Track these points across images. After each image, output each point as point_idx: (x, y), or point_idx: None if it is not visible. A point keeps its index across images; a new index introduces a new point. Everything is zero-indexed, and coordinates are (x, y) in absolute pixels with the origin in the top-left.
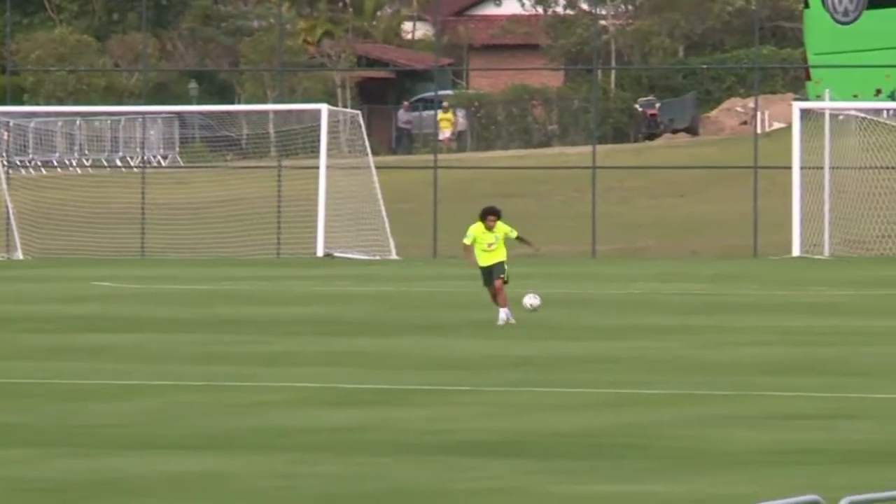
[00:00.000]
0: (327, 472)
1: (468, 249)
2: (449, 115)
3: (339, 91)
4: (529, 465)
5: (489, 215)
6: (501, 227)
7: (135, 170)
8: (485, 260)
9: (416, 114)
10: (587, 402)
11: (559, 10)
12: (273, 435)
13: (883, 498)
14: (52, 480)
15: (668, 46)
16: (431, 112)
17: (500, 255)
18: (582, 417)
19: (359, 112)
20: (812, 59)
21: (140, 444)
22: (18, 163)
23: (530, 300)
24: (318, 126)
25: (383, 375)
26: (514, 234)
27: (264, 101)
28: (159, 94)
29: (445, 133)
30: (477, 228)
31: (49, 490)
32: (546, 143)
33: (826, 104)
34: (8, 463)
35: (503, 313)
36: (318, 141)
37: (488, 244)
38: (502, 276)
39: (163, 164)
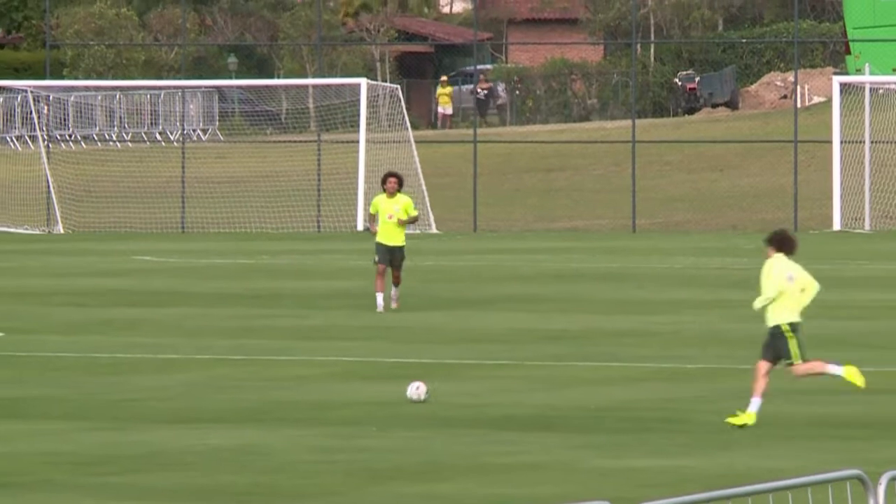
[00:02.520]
0: (365, 446)
1: (372, 219)
2: (448, 90)
3: (378, 65)
4: (567, 440)
5: (390, 177)
6: (403, 200)
7: (174, 144)
8: (386, 236)
9: (456, 88)
10: (625, 377)
11: None
12: (311, 409)
13: None
14: (89, 454)
15: (707, 20)
16: (471, 86)
17: (401, 235)
18: (620, 392)
19: (398, 86)
20: (852, 33)
21: (177, 417)
22: (58, 137)
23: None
24: (358, 100)
25: (422, 349)
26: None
27: (303, 76)
28: (198, 68)
29: (445, 108)
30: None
31: (86, 463)
32: (585, 118)
33: (866, 78)
34: (46, 436)
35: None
36: (358, 115)
37: (388, 215)
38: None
39: (202, 138)
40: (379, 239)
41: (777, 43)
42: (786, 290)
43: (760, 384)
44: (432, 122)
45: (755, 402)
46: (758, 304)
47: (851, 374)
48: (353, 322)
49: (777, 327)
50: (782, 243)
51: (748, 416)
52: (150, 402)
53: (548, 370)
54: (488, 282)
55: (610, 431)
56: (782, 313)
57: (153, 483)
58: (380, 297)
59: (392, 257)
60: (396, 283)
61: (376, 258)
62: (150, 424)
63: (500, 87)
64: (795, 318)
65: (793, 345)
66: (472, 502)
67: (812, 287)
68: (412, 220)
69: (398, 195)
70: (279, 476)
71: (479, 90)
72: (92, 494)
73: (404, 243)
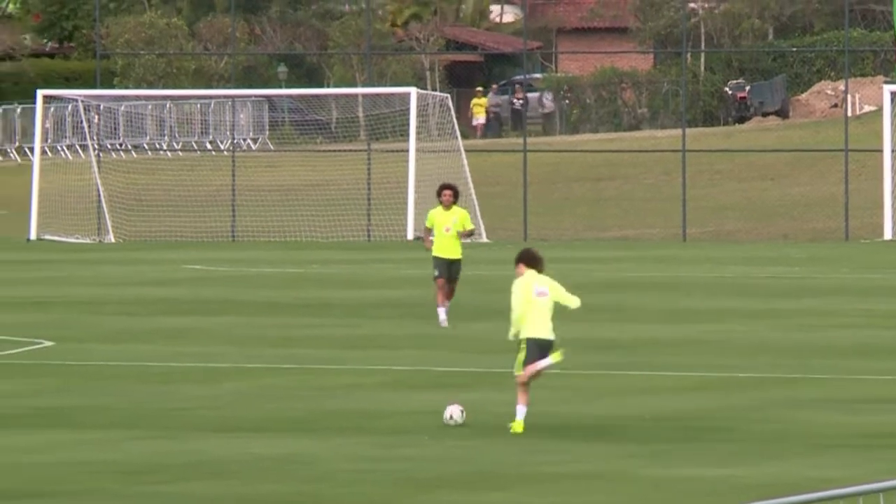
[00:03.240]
0: (412, 455)
1: (427, 232)
2: (482, 101)
3: (427, 74)
4: (618, 449)
5: (445, 189)
6: (459, 212)
7: (225, 153)
8: (443, 250)
9: (505, 97)
10: (675, 386)
11: None
12: (359, 418)
13: None
14: (138, 463)
15: (757, 29)
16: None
17: (458, 248)
18: (669, 401)
19: (448, 95)
20: None
21: (225, 426)
22: (109, 146)
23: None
24: (408, 109)
25: (472, 359)
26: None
27: (353, 85)
28: (248, 77)
29: (479, 119)
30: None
31: (135, 472)
32: (635, 127)
33: None
34: (94, 445)
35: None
36: (408, 124)
37: (445, 228)
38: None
39: (252, 147)
40: (436, 252)
41: (827, 52)
42: (534, 304)
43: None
44: (482, 131)
45: (520, 410)
46: (517, 317)
47: (556, 356)
48: (402, 331)
49: (523, 340)
50: (530, 260)
51: (517, 424)
52: (199, 410)
53: (598, 380)
54: None
55: (660, 441)
56: (527, 327)
57: (201, 491)
58: (442, 312)
59: (450, 270)
60: (449, 297)
61: (436, 272)
62: (199, 433)
63: (548, 97)
64: (542, 335)
65: (519, 358)
66: None
67: (568, 301)
68: (469, 234)
69: (454, 207)
70: (323, 485)
71: (514, 100)
72: (141, 503)
73: (461, 256)
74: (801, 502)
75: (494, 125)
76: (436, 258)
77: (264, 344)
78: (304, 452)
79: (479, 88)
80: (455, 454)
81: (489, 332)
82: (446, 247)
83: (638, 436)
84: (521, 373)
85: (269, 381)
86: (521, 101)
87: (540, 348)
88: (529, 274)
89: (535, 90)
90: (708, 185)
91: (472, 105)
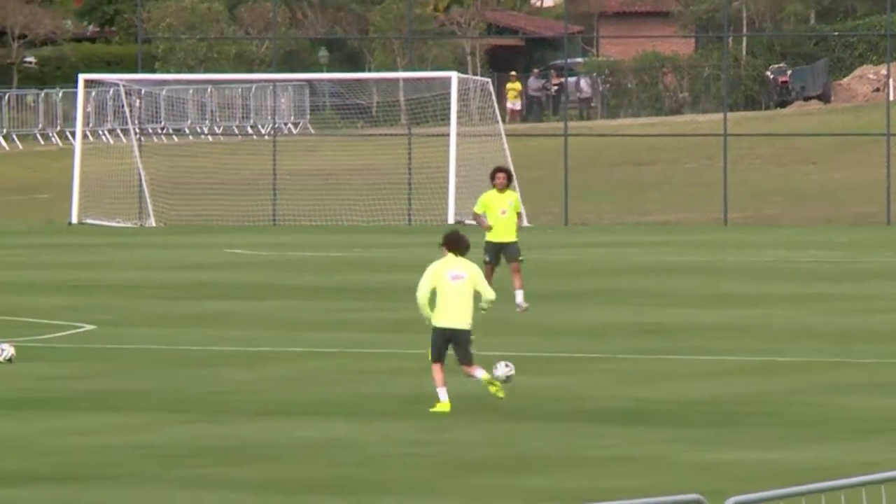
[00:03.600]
0: (455, 439)
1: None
2: (517, 85)
3: (468, 59)
4: (659, 433)
5: (499, 172)
6: (513, 195)
7: (266, 137)
8: (498, 234)
9: (548, 82)
10: (717, 370)
11: None
12: (403, 402)
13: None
14: (178, 447)
15: (799, 13)
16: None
17: (513, 231)
18: (711, 385)
19: (489, 80)
20: None
21: (267, 410)
22: (150, 130)
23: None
24: (448, 94)
25: (515, 342)
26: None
27: (394, 69)
28: (289, 61)
29: (514, 104)
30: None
31: (177, 456)
32: (677, 111)
33: None
34: (137, 429)
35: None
36: (448, 109)
37: (501, 210)
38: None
39: (293, 131)
40: (489, 237)
41: (870, 36)
42: (446, 289)
43: (439, 377)
44: (523, 115)
45: (441, 393)
46: (419, 300)
47: (487, 381)
48: None
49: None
50: (451, 243)
51: (442, 406)
52: (240, 394)
53: (640, 364)
54: (580, 276)
55: (702, 425)
56: (436, 314)
57: (243, 476)
58: (519, 295)
59: (505, 254)
60: (520, 282)
61: (486, 258)
62: (241, 417)
63: (585, 81)
64: (448, 325)
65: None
66: (562, 495)
67: (485, 291)
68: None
69: (507, 190)
70: (365, 469)
71: (549, 85)
72: (183, 487)
73: (517, 238)
74: (843, 486)
75: (536, 110)
76: (488, 243)
77: (306, 328)
78: (347, 437)
79: (513, 73)
80: (496, 438)
81: (532, 316)
82: (502, 230)
83: (680, 420)
84: (463, 368)
85: (311, 366)
86: (556, 87)
87: (445, 339)
88: (448, 257)
89: (574, 74)
90: (749, 170)
91: (506, 90)
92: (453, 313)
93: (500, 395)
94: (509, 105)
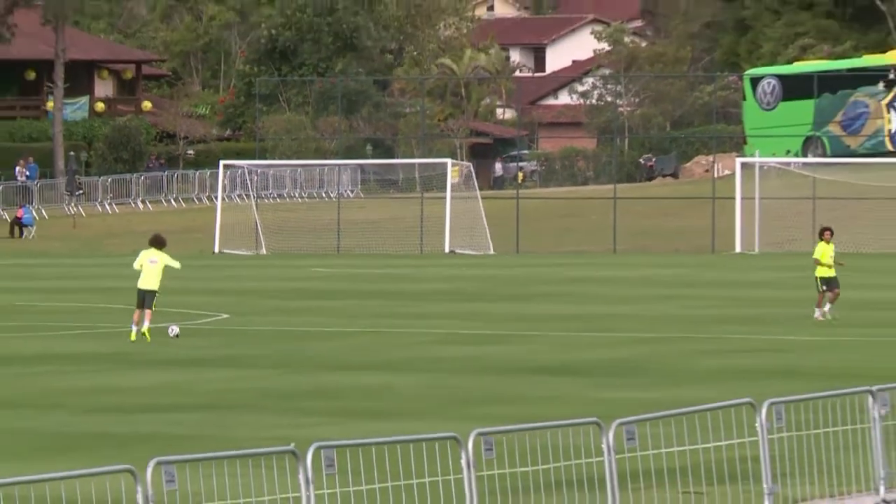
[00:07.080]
0: (459, 384)
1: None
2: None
3: (458, 151)
4: (575, 381)
5: (825, 231)
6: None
7: (333, 199)
8: (822, 271)
9: (507, 165)
10: (615, 342)
11: (594, 101)
12: (428, 362)
13: None
14: (282, 390)
15: (661, 123)
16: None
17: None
18: (611, 352)
19: (470, 164)
20: (748, 132)
21: (340, 366)
22: (263, 195)
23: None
24: (446, 173)
25: (480, 325)
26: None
27: (412, 157)
28: (348, 152)
29: (454, 179)
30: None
31: (280, 396)
32: (585, 182)
33: (757, 159)
34: (255, 379)
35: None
36: (446, 181)
37: (830, 255)
38: (837, 290)
39: (350, 195)
40: (820, 274)
41: (703, 138)
42: (147, 267)
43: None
44: (491, 186)
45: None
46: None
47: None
48: (442, 309)
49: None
50: (153, 242)
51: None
52: (321, 357)
53: (566, 339)
54: (528, 284)
55: (604, 375)
56: (140, 280)
57: (322, 407)
58: (818, 312)
59: (829, 284)
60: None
61: (823, 287)
62: (322, 371)
63: (530, 165)
64: (145, 286)
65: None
66: (508, 418)
67: (173, 263)
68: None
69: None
70: (402, 401)
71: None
72: (285, 414)
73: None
74: (693, 411)
75: (499, 182)
76: (820, 278)
77: (366, 316)
78: (392, 383)
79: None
80: (470, 384)
81: (496, 307)
82: (829, 269)
83: (589, 373)
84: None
85: (362, 340)
86: (500, 170)
87: (143, 294)
88: (151, 250)
89: (523, 160)
90: (630, 219)
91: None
92: (150, 281)
93: (148, 339)
94: (452, 181)
